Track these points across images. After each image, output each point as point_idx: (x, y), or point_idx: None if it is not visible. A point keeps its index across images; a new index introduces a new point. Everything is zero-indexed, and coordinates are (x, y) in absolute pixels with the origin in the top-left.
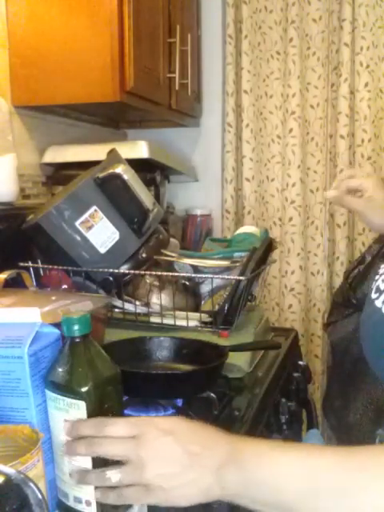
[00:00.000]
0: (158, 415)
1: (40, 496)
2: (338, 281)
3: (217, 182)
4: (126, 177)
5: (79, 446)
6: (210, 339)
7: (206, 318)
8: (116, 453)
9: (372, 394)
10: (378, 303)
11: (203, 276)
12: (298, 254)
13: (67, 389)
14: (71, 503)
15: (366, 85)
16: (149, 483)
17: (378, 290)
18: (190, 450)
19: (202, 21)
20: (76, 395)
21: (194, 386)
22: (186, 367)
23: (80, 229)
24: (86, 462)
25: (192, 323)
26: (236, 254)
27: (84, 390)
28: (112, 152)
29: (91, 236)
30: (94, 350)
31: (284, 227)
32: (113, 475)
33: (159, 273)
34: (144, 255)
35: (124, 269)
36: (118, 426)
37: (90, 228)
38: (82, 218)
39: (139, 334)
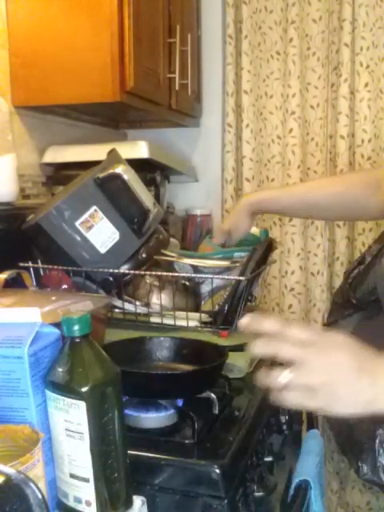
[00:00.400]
0: (159, 415)
1: (40, 496)
2: (338, 281)
3: (217, 182)
4: (126, 177)
5: (260, 344)
6: (209, 339)
7: (205, 318)
8: (293, 354)
9: None
10: None
11: (203, 276)
12: (298, 255)
13: (67, 389)
14: (71, 503)
15: (366, 85)
16: (317, 388)
17: None
18: (361, 364)
19: (202, 21)
20: (76, 395)
21: (194, 386)
22: (186, 367)
23: (80, 229)
24: (87, 464)
25: (192, 323)
26: (236, 254)
27: (84, 390)
28: (112, 152)
29: (91, 236)
30: (94, 350)
31: (284, 227)
32: (285, 376)
33: (159, 273)
34: (144, 255)
35: (124, 269)
36: (298, 330)
37: (90, 228)
38: (82, 218)
39: (139, 334)
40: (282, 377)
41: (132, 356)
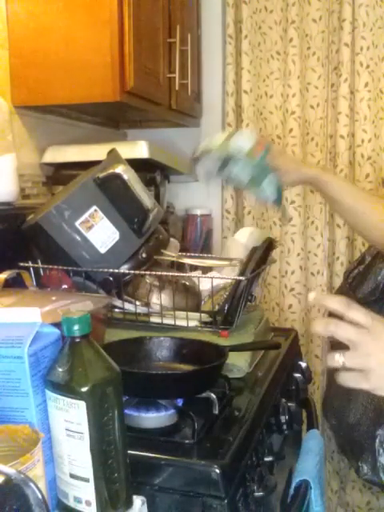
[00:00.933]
0: (159, 415)
1: (40, 496)
2: (338, 281)
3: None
4: (126, 177)
5: (318, 324)
6: (209, 339)
7: (206, 318)
8: (349, 337)
9: (372, 394)
10: None
11: (203, 276)
12: (298, 254)
13: (67, 389)
14: (71, 503)
15: (366, 85)
16: (370, 370)
17: None
18: None
19: (202, 21)
20: (76, 395)
21: (194, 385)
22: (186, 367)
23: (80, 229)
24: (87, 464)
25: (192, 323)
26: (265, 185)
27: (84, 390)
28: (112, 152)
29: (91, 236)
30: (94, 350)
31: (284, 227)
32: (339, 358)
33: (159, 273)
34: (144, 255)
35: (124, 269)
36: (359, 313)
37: (90, 228)
38: (82, 218)
39: (139, 334)
40: (338, 358)
41: (132, 356)
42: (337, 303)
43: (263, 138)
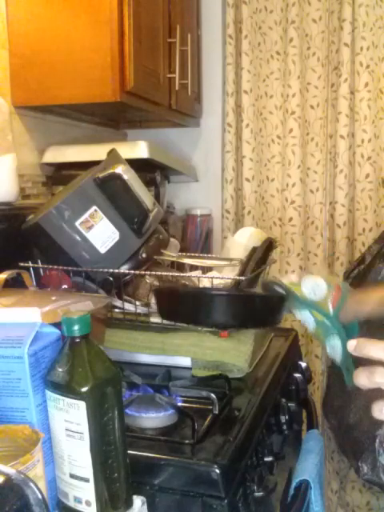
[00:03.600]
0: (159, 415)
1: (40, 496)
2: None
3: (217, 182)
4: (126, 177)
5: (360, 376)
6: (209, 339)
7: None
8: None
9: (372, 395)
10: None
11: (203, 276)
12: (298, 254)
13: (67, 389)
14: (71, 503)
15: (366, 85)
16: None
17: None
18: None
19: (202, 21)
20: (76, 395)
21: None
22: None
23: (80, 229)
24: (87, 464)
25: None
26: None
27: (84, 390)
28: (112, 152)
29: (91, 236)
30: (94, 350)
31: (284, 227)
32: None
33: (159, 273)
34: (144, 255)
35: (124, 269)
36: None
37: (90, 228)
38: (82, 218)
39: (139, 333)
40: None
41: None
42: (378, 350)
43: (338, 289)
